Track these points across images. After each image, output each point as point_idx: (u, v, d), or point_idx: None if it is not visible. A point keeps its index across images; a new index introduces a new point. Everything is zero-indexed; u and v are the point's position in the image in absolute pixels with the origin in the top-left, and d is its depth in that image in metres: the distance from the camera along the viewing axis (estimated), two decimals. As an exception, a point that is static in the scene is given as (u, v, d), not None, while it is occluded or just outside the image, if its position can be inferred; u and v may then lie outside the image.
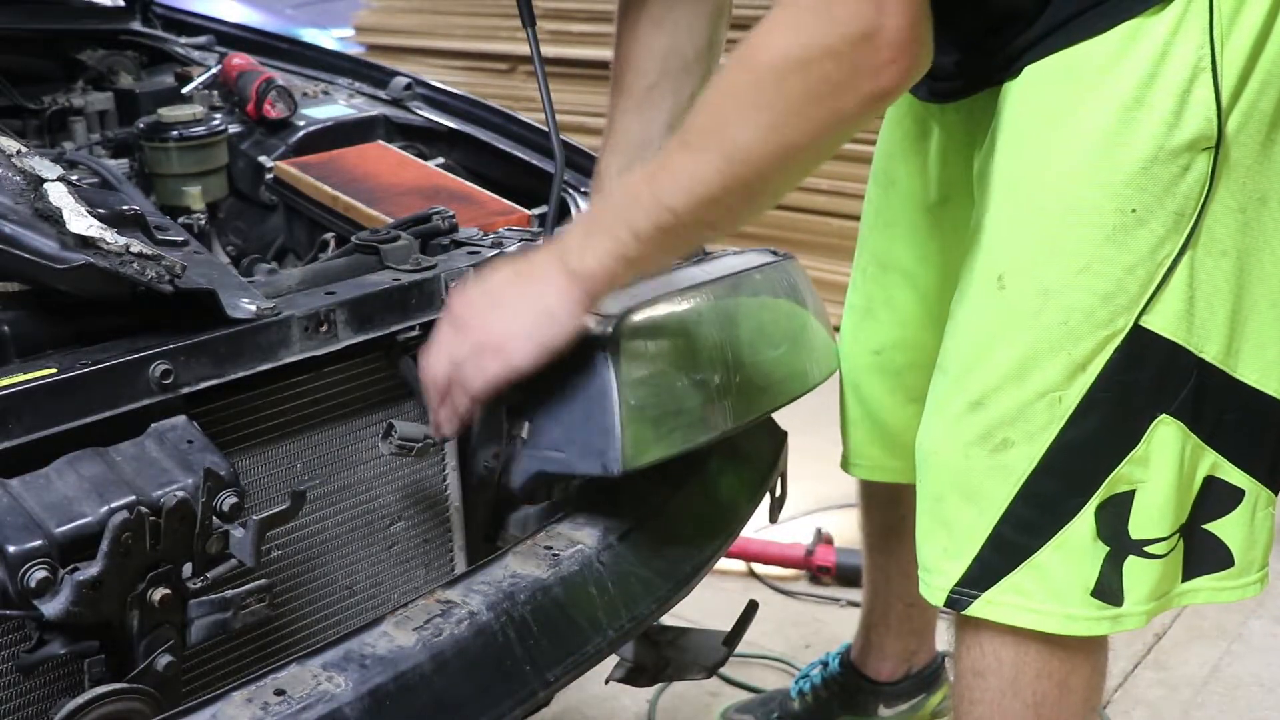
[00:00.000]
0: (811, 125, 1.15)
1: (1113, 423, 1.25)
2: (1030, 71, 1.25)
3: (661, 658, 1.62)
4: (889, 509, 1.85)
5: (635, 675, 1.61)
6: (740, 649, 1.71)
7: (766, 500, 1.65)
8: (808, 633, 2.38)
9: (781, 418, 1.73)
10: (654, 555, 1.39)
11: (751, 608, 1.67)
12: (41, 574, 1.02)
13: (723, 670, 1.79)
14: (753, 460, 1.63)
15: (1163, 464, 1.26)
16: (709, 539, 1.50)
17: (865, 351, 1.70)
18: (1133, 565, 1.28)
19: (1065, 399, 1.24)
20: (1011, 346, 1.26)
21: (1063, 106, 1.22)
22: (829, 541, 2.55)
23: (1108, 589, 1.28)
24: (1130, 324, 1.22)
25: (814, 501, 2.77)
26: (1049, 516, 1.28)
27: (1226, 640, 2.32)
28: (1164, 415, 1.25)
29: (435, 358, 1.30)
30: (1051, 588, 1.28)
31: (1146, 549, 1.28)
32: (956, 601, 1.33)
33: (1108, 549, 1.27)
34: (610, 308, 1.34)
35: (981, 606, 1.31)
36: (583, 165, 1.82)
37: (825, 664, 2.05)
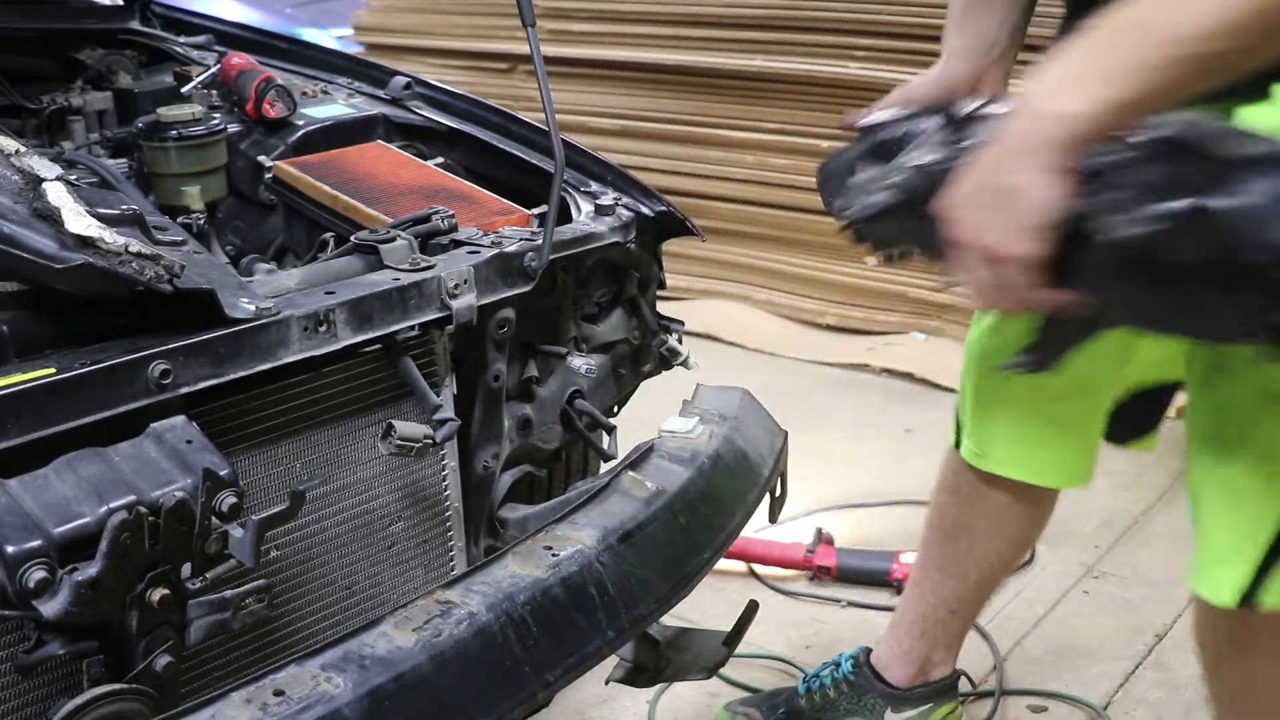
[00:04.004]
0: None
1: None
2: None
3: (661, 658, 1.61)
4: (974, 506, 1.83)
5: (635, 675, 1.61)
6: (740, 649, 1.71)
7: (766, 500, 1.65)
8: (808, 633, 2.38)
9: (782, 418, 1.73)
10: (654, 555, 1.39)
11: (752, 608, 1.66)
12: (40, 574, 1.02)
13: (723, 671, 1.78)
14: (753, 460, 1.63)
15: None
16: (709, 539, 1.49)
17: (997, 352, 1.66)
18: None
19: None
20: None
21: None
22: (829, 541, 2.55)
23: None
24: None
25: (814, 501, 2.76)
26: None
27: (1227, 640, 2.32)
28: None
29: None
30: None
31: None
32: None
33: None
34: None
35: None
36: (583, 165, 1.81)
37: (837, 664, 2.05)
